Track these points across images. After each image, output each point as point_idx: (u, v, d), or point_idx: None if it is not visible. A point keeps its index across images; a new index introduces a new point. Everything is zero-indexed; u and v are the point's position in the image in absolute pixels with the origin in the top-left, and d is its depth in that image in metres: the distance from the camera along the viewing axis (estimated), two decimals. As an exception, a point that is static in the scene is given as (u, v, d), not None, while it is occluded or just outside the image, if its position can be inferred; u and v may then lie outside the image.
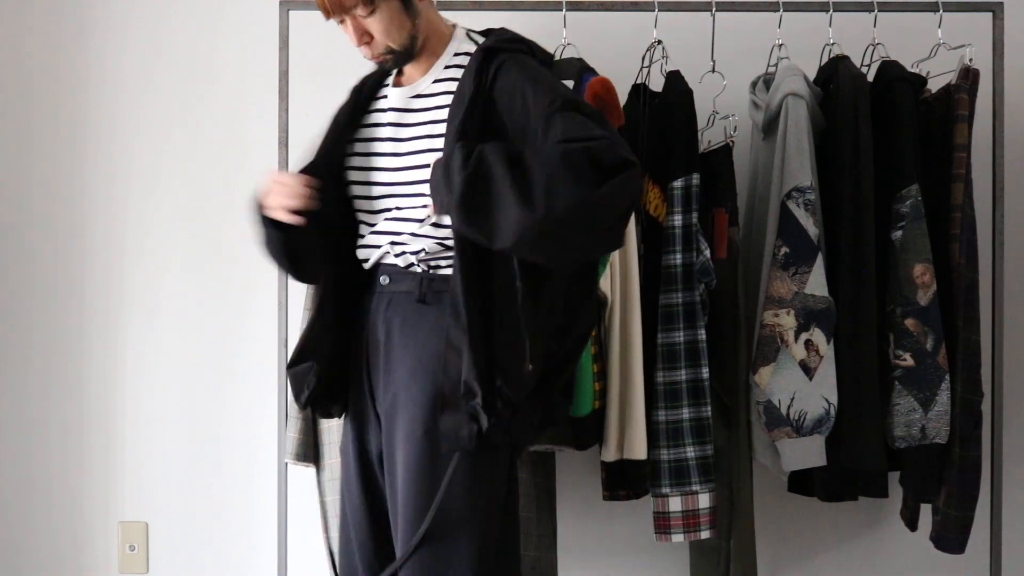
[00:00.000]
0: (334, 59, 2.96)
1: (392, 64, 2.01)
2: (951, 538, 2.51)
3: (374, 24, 1.95)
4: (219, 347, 3.04)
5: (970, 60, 2.50)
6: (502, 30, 2.07)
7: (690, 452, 2.49)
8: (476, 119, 1.90)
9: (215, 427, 3.05)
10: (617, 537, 2.98)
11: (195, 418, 3.05)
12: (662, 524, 2.52)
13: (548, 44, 2.59)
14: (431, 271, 2.00)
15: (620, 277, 2.47)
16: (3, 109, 3.07)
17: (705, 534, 2.51)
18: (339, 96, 2.64)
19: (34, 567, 3.08)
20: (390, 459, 2.00)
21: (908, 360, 2.45)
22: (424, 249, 1.98)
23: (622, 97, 2.61)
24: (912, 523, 2.67)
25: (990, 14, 2.66)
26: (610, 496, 2.66)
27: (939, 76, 2.61)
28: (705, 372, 2.50)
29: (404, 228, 2.00)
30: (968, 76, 2.49)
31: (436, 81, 2.01)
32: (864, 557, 3.03)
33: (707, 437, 2.50)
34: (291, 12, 2.69)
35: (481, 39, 2.05)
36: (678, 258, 2.49)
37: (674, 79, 2.56)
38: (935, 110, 2.55)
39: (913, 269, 2.44)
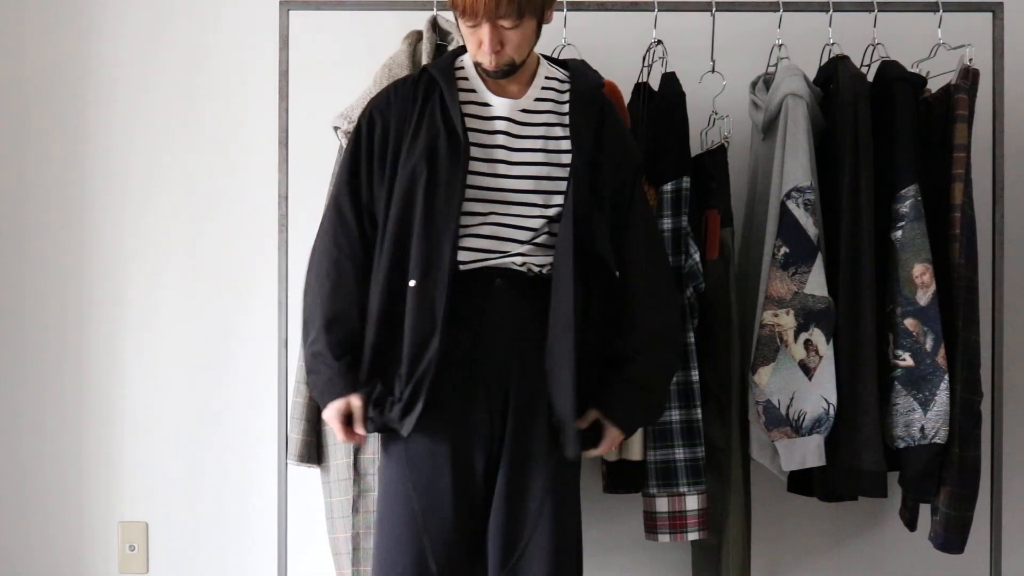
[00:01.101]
0: (334, 59, 2.98)
1: (502, 75, 2.07)
2: (950, 538, 2.51)
3: (512, 36, 2.02)
4: (219, 347, 3.04)
5: (970, 60, 2.50)
6: (578, 61, 2.29)
7: (679, 453, 2.49)
8: (611, 164, 2.13)
9: (215, 427, 3.05)
10: (618, 537, 2.98)
11: (195, 418, 3.05)
12: (650, 524, 2.54)
13: (548, 44, 2.61)
14: (540, 270, 2.08)
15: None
16: (1, 109, 3.07)
17: (693, 535, 2.51)
18: (339, 96, 2.67)
19: (34, 567, 3.08)
20: (522, 461, 2.07)
21: (907, 360, 2.45)
22: (525, 252, 2.08)
23: (626, 97, 2.61)
24: (911, 523, 2.67)
25: (990, 14, 2.66)
26: (611, 489, 2.67)
27: (939, 76, 2.61)
28: (695, 374, 2.50)
29: (513, 235, 2.07)
30: (968, 76, 2.49)
31: (537, 100, 2.14)
32: (864, 557, 3.02)
33: (697, 439, 2.50)
34: (291, 12, 2.69)
35: (559, 67, 2.20)
36: (667, 261, 2.49)
37: (669, 81, 2.56)
38: (935, 110, 2.55)
39: (913, 269, 2.44)
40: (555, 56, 2.61)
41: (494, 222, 2.07)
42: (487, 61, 2.04)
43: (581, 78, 2.18)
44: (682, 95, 2.53)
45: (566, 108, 2.13)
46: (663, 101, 2.56)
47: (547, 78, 2.17)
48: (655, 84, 2.62)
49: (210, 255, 3.04)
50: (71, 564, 3.07)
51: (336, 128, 2.57)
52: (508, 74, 2.07)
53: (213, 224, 3.04)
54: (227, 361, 3.05)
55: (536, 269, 2.08)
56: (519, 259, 2.07)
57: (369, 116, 2.16)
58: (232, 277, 3.04)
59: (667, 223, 2.50)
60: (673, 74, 2.56)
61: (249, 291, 3.02)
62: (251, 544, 3.05)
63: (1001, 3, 2.65)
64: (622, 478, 2.61)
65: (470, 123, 2.09)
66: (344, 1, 2.84)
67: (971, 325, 2.48)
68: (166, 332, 3.05)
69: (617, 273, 2.09)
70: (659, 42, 2.60)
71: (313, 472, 2.67)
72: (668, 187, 2.50)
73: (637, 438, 2.50)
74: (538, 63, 2.17)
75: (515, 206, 2.08)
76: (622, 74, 2.62)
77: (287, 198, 2.68)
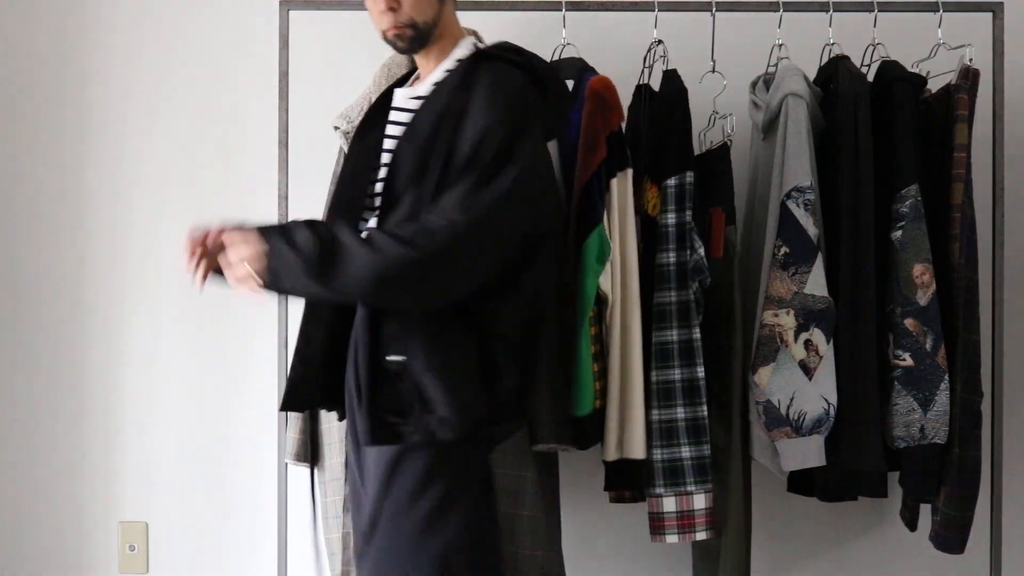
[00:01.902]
0: (334, 59, 2.98)
1: (406, 43, 2.00)
2: (951, 538, 2.51)
3: None
4: (219, 347, 3.04)
5: (970, 60, 2.50)
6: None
7: (685, 452, 2.48)
8: (445, 130, 1.90)
9: (215, 427, 3.05)
10: (620, 537, 2.98)
11: (195, 418, 3.05)
12: (656, 525, 2.51)
13: (548, 44, 2.61)
14: None
15: (620, 276, 2.47)
16: (4, 109, 3.07)
17: (701, 535, 2.50)
18: (339, 96, 2.67)
19: (34, 567, 3.08)
20: (359, 464, 2.03)
21: (907, 360, 2.45)
22: None
23: (626, 98, 2.61)
24: (912, 523, 2.67)
25: (990, 14, 2.66)
26: (616, 498, 2.65)
27: (939, 76, 2.61)
28: (700, 371, 2.48)
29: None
30: (968, 76, 2.49)
31: (435, 84, 2.02)
32: (864, 557, 3.02)
33: (703, 437, 2.49)
34: (291, 12, 2.69)
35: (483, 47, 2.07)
36: (671, 256, 2.49)
37: (670, 78, 2.56)
38: (935, 110, 2.55)
39: (913, 269, 2.44)
40: (556, 57, 2.62)
41: (369, 217, 2.01)
42: (387, 24, 1.98)
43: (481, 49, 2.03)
44: (684, 91, 2.53)
45: None
46: (664, 97, 2.55)
47: (458, 60, 2.03)
48: (655, 84, 2.62)
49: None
50: (71, 564, 3.07)
51: (336, 128, 2.57)
52: (417, 43, 2.00)
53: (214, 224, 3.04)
54: (227, 361, 3.05)
55: None
56: None
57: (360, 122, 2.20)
58: (232, 277, 3.03)
59: (671, 218, 2.49)
60: (675, 71, 2.56)
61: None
62: (251, 544, 3.05)
63: (1001, 3, 2.65)
64: (623, 480, 2.59)
65: (386, 118, 2.06)
66: (344, 1, 2.84)
67: (971, 325, 2.48)
68: (166, 332, 3.05)
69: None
70: (659, 42, 2.60)
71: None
72: (671, 182, 2.49)
73: (639, 435, 2.47)
74: (456, 46, 2.05)
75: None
76: (622, 74, 2.62)
77: (287, 198, 2.68)
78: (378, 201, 1.97)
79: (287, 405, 2.11)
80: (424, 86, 2.04)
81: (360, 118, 2.14)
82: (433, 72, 2.04)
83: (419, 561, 1.90)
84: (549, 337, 2.46)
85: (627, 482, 2.59)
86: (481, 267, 1.87)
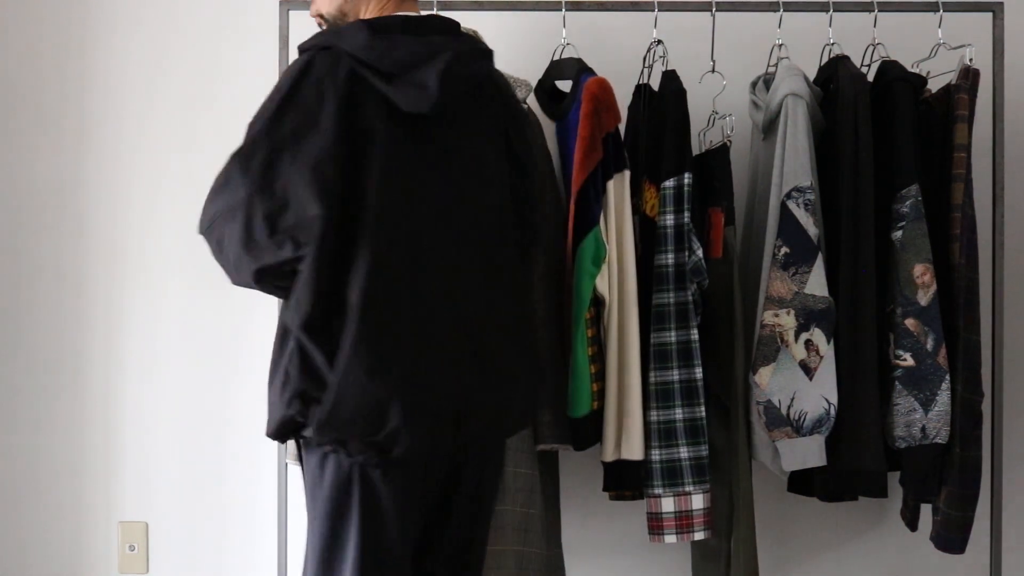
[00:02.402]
0: (334, 59, 2.97)
1: None
2: (951, 538, 2.51)
3: None
4: (219, 346, 3.04)
5: (970, 60, 2.50)
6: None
7: (683, 452, 2.49)
8: None
9: (215, 427, 3.05)
10: (619, 536, 2.98)
11: (195, 418, 3.05)
12: (655, 525, 2.51)
13: (548, 44, 2.61)
14: None
15: (617, 278, 2.47)
16: (3, 111, 3.07)
17: (699, 535, 2.50)
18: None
19: (34, 567, 3.08)
20: None
21: (908, 360, 2.45)
22: None
23: (626, 98, 2.61)
24: (912, 523, 2.67)
25: (990, 14, 2.66)
26: (616, 496, 2.66)
27: (939, 76, 2.61)
28: (698, 372, 2.49)
29: None
30: (968, 76, 2.49)
31: None
32: (864, 557, 3.02)
33: (701, 438, 2.49)
34: (291, 12, 2.69)
35: None
36: (670, 258, 2.49)
37: (669, 78, 2.56)
38: (935, 110, 2.55)
39: (913, 269, 2.44)
40: (556, 57, 2.62)
41: None
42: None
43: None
44: (682, 92, 2.53)
45: None
46: (663, 98, 2.56)
47: None
48: (655, 84, 2.62)
49: (210, 255, 3.03)
50: (71, 564, 3.07)
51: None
52: None
53: (213, 224, 3.03)
54: (227, 360, 3.04)
55: None
56: None
57: None
58: (232, 277, 3.03)
59: (669, 219, 2.49)
60: (673, 72, 2.56)
61: (249, 290, 3.01)
62: (251, 544, 3.05)
63: (1001, 3, 2.65)
64: (621, 480, 2.59)
65: None
66: (344, 1, 2.84)
67: (972, 325, 2.48)
68: (167, 332, 3.05)
69: None
70: (659, 42, 2.60)
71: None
72: (669, 183, 2.49)
73: (637, 436, 2.48)
74: None
75: None
76: (622, 74, 2.62)
77: (287, 198, 2.67)
78: None
79: None
80: None
81: None
82: None
83: (314, 519, 1.91)
84: (548, 338, 2.47)
85: (626, 483, 2.59)
86: (228, 246, 2.03)
